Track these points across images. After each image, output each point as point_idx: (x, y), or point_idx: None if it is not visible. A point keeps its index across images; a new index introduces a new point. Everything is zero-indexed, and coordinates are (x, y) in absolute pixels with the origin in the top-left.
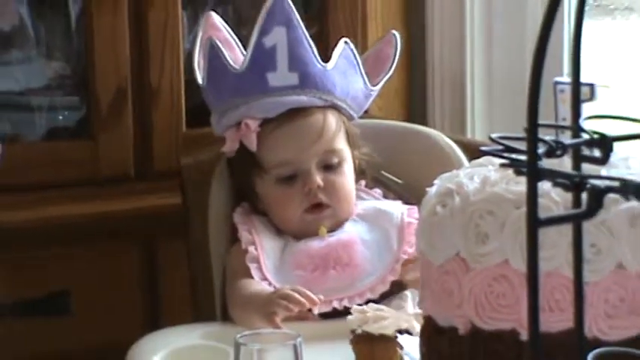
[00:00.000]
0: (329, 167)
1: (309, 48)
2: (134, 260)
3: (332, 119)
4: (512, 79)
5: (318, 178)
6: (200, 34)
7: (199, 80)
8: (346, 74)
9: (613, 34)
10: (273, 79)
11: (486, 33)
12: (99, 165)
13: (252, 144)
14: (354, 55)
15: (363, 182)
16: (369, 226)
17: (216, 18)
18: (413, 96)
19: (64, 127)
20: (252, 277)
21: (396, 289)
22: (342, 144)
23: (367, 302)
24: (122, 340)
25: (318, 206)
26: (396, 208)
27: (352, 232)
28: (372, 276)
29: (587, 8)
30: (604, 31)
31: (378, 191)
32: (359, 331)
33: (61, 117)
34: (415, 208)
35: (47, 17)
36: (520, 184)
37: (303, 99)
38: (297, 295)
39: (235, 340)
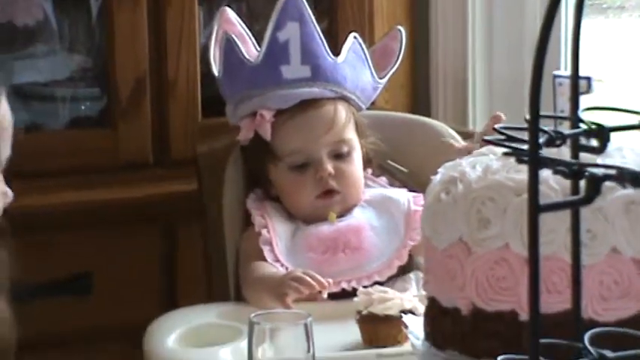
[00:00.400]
0: (339, 156)
1: (321, 42)
2: (152, 243)
3: (342, 110)
4: (512, 72)
5: (330, 166)
6: (215, 28)
7: (215, 72)
8: (355, 67)
9: (606, 31)
10: (287, 72)
11: (487, 29)
12: (119, 153)
13: (267, 133)
14: (363, 49)
15: (369, 170)
16: (376, 212)
17: (230, 13)
18: (417, 89)
19: (86, 116)
20: (264, 260)
21: (401, 271)
22: (351, 134)
23: (374, 284)
24: (141, 318)
25: (329, 192)
26: (402, 195)
27: (361, 217)
28: (379, 260)
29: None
30: (598, 29)
31: (383, 179)
32: (364, 312)
33: (83, 107)
34: (420, 195)
35: (70, 13)
36: (520, 173)
37: (315, 91)
38: (308, 278)
39: (249, 319)
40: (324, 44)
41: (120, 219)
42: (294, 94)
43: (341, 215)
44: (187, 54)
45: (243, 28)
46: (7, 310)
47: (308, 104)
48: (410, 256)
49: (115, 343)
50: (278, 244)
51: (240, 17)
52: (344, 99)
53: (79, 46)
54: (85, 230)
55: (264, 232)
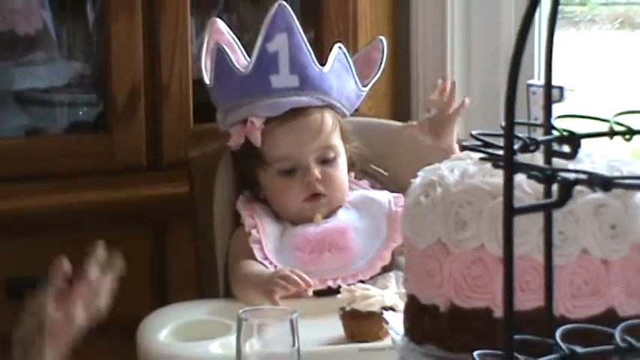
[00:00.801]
0: (326, 161)
1: (308, 53)
2: (145, 243)
3: (329, 118)
4: (487, 82)
5: (317, 171)
6: (206, 39)
7: (207, 81)
8: (341, 76)
9: (578, 43)
10: (276, 81)
11: (465, 41)
12: (114, 156)
13: (257, 140)
14: (347, 59)
15: (352, 174)
16: (359, 213)
17: (220, 24)
18: (399, 97)
19: (84, 121)
20: (253, 259)
21: (382, 270)
22: (337, 140)
23: (358, 282)
24: (134, 314)
25: (315, 196)
26: (384, 196)
27: (345, 219)
28: (363, 260)
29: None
30: (570, 41)
31: (366, 182)
32: (348, 308)
33: (80, 112)
34: (401, 196)
35: (68, 22)
36: (496, 177)
37: (303, 99)
38: (294, 277)
39: (238, 315)
40: (311, 55)
41: (115, 219)
42: (284, 103)
43: (326, 217)
44: (180, 62)
45: (232, 38)
46: None
47: (296, 112)
48: (392, 254)
49: (110, 338)
50: (267, 244)
51: (230, 28)
52: (330, 107)
53: (76, 54)
54: (82, 230)
55: (253, 232)
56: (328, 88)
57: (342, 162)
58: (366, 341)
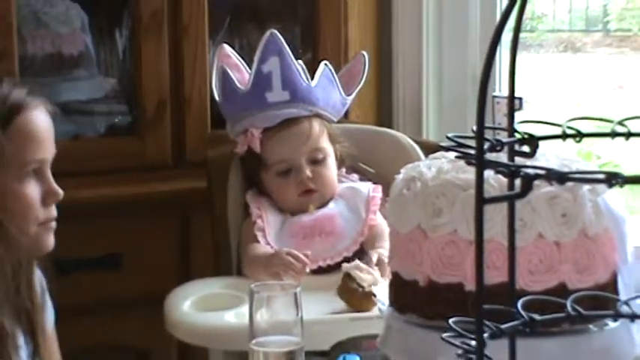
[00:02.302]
0: (316, 161)
1: (297, 71)
2: (171, 229)
3: (316, 125)
4: (457, 94)
5: (308, 171)
6: (215, 62)
7: (216, 97)
8: (326, 89)
9: (529, 63)
10: (270, 97)
11: (438, 59)
12: (144, 156)
13: (257, 147)
14: (332, 74)
15: (344, 170)
16: (345, 202)
17: (227, 48)
18: (382, 106)
19: (118, 127)
20: (259, 242)
21: (362, 253)
22: (325, 143)
23: (344, 259)
24: (161, 289)
25: (308, 191)
26: (365, 186)
27: (333, 208)
28: (346, 240)
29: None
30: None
31: (355, 176)
32: (353, 285)
33: (115, 120)
34: (379, 186)
35: (105, 44)
36: (466, 173)
37: (293, 111)
38: (290, 259)
39: (250, 289)
40: (299, 72)
41: (145, 209)
42: (277, 115)
43: (319, 207)
44: (200, 78)
45: (238, 59)
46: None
47: (289, 122)
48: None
49: (140, 309)
50: (269, 232)
51: (241, 50)
52: (318, 115)
53: (112, 71)
54: (117, 218)
55: (258, 221)
56: (315, 99)
57: (331, 161)
58: (359, 311)
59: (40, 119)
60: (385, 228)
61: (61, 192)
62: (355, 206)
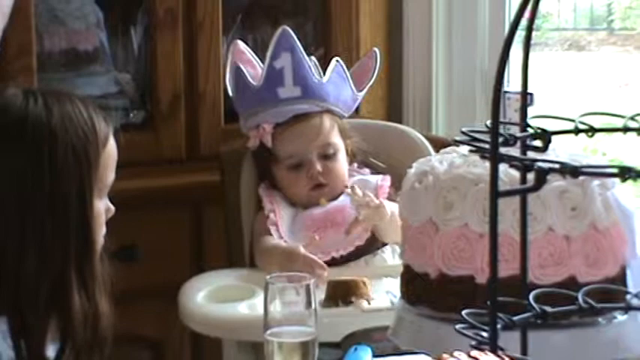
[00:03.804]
0: (326, 156)
1: (308, 67)
2: (185, 221)
3: (327, 120)
4: (466, 90)
5: (318, 166)
6: (229, 58)
7: (230, 93)
8: (337, 84)
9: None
10: (282, 92)
11: (447, 55)
12: (159, 151)
13: (268, 142)
14: (344, 70)
15: (355, 164)
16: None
17: (241, 44)
18: (393, 102)
19: (133, 122)
20: (271, 235)
21: (375, 245)
22: (336, 138)
23: (356, 248)
24: (175, 281)
25: (318, 185)
26: (374, 177)
27: (344, 200)
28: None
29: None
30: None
31: (367, 170)
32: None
33: (131, 115)
34: (388, 176)
35: (120, 40)
36: (478, 167)
37: (304, 107)
38: (314, 257)
39: (265, 280)
40: (310, 68)
41: (159, 202)
42: (288, 110)
43: (330, 200)
44: (214, 74)
45: (252, 55)
46: (108, 308)
47: (299, 118)
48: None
49: (155, 300)
50: (282, 225)
51: (254, 46)
52: (328, 111)
53: (127, 66)
54: (133, 211)
55: (271, 215)
56: (326, 95)
57: (342, 156)
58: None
59: (115, 147)
60: (396, 212)
61: (113, 209)
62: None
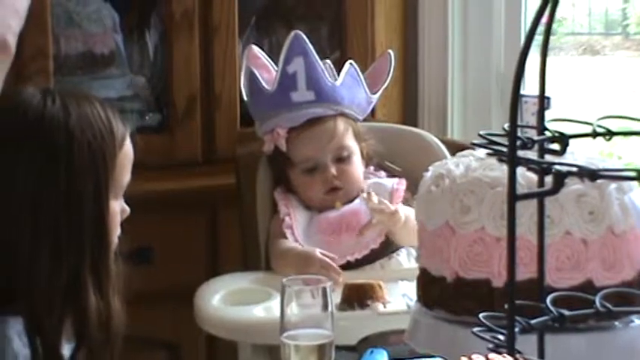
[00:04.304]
0: (341, 159)
1: (321, 71)
2: (201, 224)
3: (341, 124)
4: (481, 93)
5: (333, 169)
6: (244, 62)
7: (245, 97)
8: (351, 87)
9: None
10: (296, 97)
11: (463, 59)
12: (175, 153)
13: (283, 146)
14: (357, 73)
15: (371, 167)
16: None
17: (256, 49)
18: (408, 105)
19: (149, 124)
20: (287, 239)
21: (390, 248)
22: (350, 141)
23: (371, 252)
24: (190, 283)
25: (333, 189)
26: (389, 181)
27: (358, 203)
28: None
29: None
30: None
31: (382, 173)
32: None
33: (147, 117)
34: (403, 180)
35: (136, 43)
36: (495, 171)
37: (318, 111)
38: (329, 261)
39: (282, 283)
40: (324, 72)
41: (175, 205)
42: (302, 115)
43: (347, 203)
44: (230, 76)
45: (266, 60)
46: (121, 307)
47: (313, 121)
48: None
49: (171, 302)
50: (297, 228)
51: (270, 50)
52: (342, 114)
53: (143, 70)
54: (148, 213)
55: (286, 219)
56: (340, 98)
57: (356, 159)
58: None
59: (131, 148)
60: (411, 216)
61: (128, 210)
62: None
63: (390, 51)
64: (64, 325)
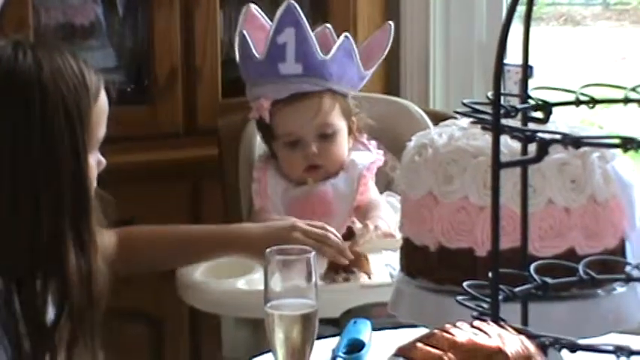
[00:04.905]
0: (324, 136)
1: (312, 44)
2: (183, 196)
3: (327, 101)
4: (463, 63)
5: (314, 147)
6: (240, 21)
7: (237, 59)
8: (342, 63)
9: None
10: (283, 68)
11: (445, 29)
12: (157, 124)
13: (266, 117)
14: (352, 47)
15: (365, 135)
16: (345, 177)
17: (253, 8)
18: (390, 75)
19: (131, 96)
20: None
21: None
22: (336, 118)
23: (348, 230)
24: None
25: (313, 167)
26: (365, 159)
27: (330, 186)
28: (336, 222)
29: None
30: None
31: (374, 143)
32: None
33: (128, 89)
34: (377, 161)
35: (116, 14)
36: (477, 140)
37: (304, 86)
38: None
39: (265, 253)
40: (315, 46)
41: (157, 176)
42: (288, 88)
43: (324, 178)
44: (211, 47)
45: (265, 19)
46: (105, 269)
47: (298, 96)
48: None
49: (152, 275)
50: (271, 196)
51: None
52: (330, 90)
53: (124, 41)
54: (130, 185)
55: (254, 185)
56: (328, 75)
57: (341, 137)
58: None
59: (106, 101)
60: (379, 201)
61: (104, 161)
62: (350, 183)
63: (391, 22)
64: (48, 288)
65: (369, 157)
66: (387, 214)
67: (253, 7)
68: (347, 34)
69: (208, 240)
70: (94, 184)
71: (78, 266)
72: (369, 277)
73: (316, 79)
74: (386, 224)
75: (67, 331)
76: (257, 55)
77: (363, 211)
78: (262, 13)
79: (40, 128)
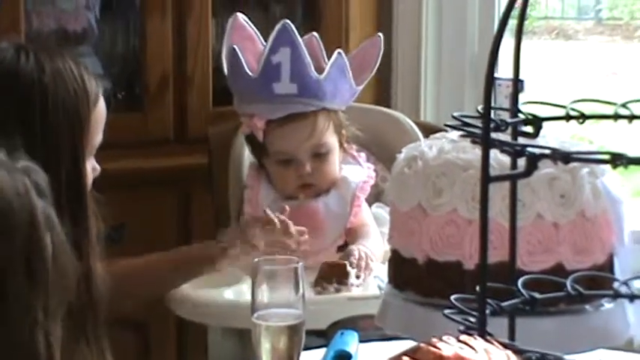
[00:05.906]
0: (318, 155)
1: (307, 63)
2: (173, 203)
3: (322, 120)
4: (455, 75)
5: (308, 166)
6: (227, 32)
7: (225, 71)
8: (336, 81)
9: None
10: (278, 88)
11: (437, 41)
12: (147, 132)
13: (259, 136)
14: (345, 64)
15: (354, 146)
16: (337, 196)
17: (241, 18)
18: (381, 86)
19: (122, 103)
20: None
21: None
22: (329, 137)
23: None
24: None
25: (306, 185)
26: (357, 176)
27: (321, 204)
28: (325, 242)
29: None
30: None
31: (363, 155)
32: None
33: (119, 96)
34: (369, 180)
35: (109, 21)
36: (467, 153)
37: (299, 107)
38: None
39: (252, 263)
40: (310, 66)
41: (147, 183)
42: (282, 108)
43: (315, 196)
44: (202, 56)
45: (253, 30)
46: (103, 271)
47: (293, 117)
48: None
49: None
50: (261, 204)
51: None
52: (324, 109)
53: (116, 48)
54: (120, 192)
55: (246, 191)
56: (322, 94)
57: (333, 156)
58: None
59: (104, 107)
60: (370, 227)
61: (99, 168)
62: (342, 202)
63: (380, 34)
64: None
65: (361, 173)
66: (375, 243)
67: (241, 16)
68: (340, 50)
69: (195, 258)
70: (89, 189)
71: (74, 269)
72: (350, 289)
73: (311, 99)
74: (369, 252)
75: (67, 330)
76: (249, 72)
77: (353, 235)
78: (249, 23)
79: (40, 130)
